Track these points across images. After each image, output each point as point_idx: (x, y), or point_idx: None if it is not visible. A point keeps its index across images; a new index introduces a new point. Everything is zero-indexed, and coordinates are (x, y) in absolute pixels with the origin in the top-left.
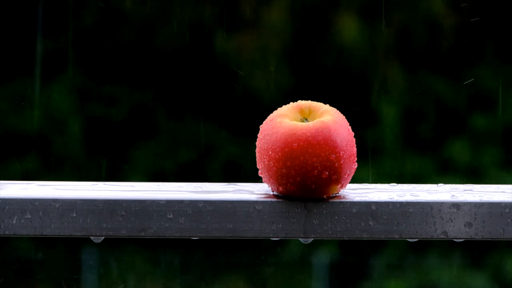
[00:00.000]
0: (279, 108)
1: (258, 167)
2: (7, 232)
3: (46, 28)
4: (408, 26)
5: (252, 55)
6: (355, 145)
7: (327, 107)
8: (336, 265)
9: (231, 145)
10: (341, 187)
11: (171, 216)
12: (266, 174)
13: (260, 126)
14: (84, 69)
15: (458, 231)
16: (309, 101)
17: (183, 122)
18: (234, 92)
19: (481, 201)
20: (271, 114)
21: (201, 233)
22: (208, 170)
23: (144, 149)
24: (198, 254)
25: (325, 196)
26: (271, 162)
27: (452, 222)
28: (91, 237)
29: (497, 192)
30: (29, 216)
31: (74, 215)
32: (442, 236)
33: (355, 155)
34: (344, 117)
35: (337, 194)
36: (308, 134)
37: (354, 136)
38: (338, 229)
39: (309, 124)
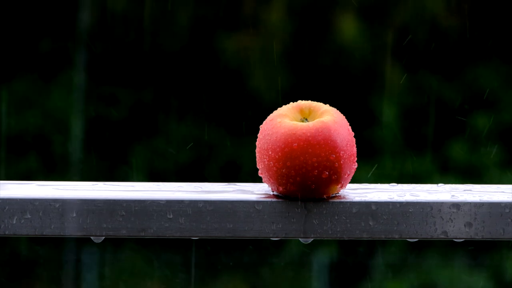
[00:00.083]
0: (279, 108)
1: (258, 167)
2: (7, 232)
3: (46, 27)
4: (408, 26)
5: (252, 55)
6: (355, 145)
7: (327, 107)
8: (336, 265)
9: (231, 145)
10: (341, 187)
11: (171, 216)
12: (266, 174)
13: (260, 126)
14: (84, 69)
15: (458, 231)
16: (309, 101)
17: (183, 122)
18: (234, 92)
19: (481, 201)
20: (271, 114)
21: (201, 233)
22: (208, 170)
23: (144, 149)
24: (198, 254)
25: (325, 196)
26: (271, 162)
27: (452, 222)
28: (91, 237)
29: (497, 192)
30: (29, 216)
31: (74, 215)
32: (442, 236)
33: (355, 155)
34: (344, 117)
35: (337, 194)
36: (308, 134)
37: (354, 136)
38: (338, 229)
39: (309, 124)
